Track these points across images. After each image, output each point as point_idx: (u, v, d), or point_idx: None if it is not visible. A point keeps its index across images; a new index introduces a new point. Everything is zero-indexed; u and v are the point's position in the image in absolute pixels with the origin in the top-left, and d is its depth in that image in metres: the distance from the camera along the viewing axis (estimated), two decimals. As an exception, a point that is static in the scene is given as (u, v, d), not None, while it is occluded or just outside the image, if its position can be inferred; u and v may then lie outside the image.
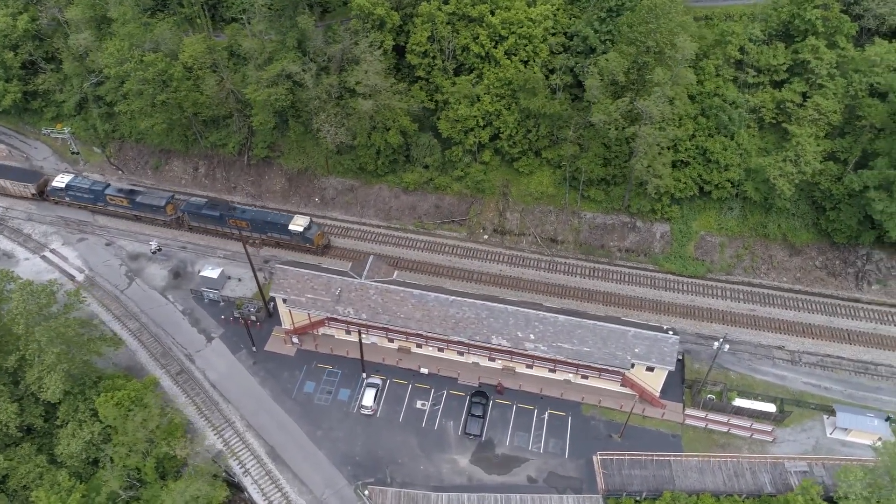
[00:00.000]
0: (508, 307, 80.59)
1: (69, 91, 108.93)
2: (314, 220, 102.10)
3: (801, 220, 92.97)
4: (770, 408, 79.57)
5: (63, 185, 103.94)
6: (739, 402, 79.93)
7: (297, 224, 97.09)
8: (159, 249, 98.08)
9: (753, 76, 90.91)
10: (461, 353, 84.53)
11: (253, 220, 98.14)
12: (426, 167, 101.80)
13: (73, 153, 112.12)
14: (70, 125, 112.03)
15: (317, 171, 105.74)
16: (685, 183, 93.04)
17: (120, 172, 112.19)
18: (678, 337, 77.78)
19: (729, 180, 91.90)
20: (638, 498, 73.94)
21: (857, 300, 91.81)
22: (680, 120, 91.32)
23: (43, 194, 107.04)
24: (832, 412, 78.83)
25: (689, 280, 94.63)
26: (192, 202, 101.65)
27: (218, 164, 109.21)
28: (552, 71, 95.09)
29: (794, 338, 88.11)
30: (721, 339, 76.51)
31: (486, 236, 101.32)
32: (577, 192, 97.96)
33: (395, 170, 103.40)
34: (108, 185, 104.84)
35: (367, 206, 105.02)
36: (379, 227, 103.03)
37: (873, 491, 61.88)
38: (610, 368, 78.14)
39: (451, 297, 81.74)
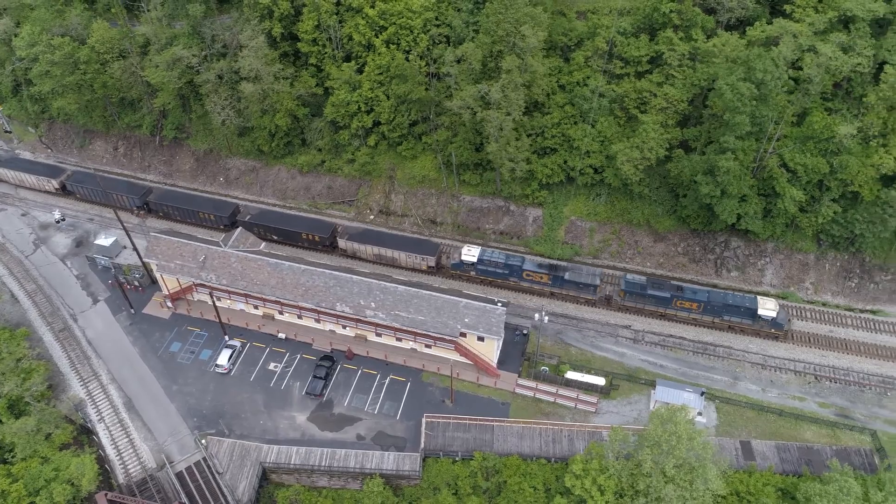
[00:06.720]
0: (354, 276, 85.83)
1: (2, 74, 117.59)
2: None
3: (663, 207, 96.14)
4: (600, 381, 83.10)
5: (474, 260, 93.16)
6: (571, 374, 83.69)
7: (768, 308, 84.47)
8: (63, 219, 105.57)
9: (621, 67, 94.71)
10: (318, 321, 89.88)
11: (709, 301, 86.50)
12: (319, 150, 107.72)
13: (6, 132, 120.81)
14: (5, 106, 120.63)
15: (221, 152, 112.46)
16: (552, 169, 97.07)
17: (49, 150, 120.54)
18: (506, 308, 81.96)
19: (591, 166, 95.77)
20: (455, 458, 78.22)
21: (714, 286, 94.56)
22: (546, 108, 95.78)
23: (438, 265, 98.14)
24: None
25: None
26: (632, 280, 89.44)
27: (135, 145, 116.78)
28: (435, 60, 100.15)
29: (642, 319, 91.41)
30: (541, 312, 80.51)
31: (371, 216, 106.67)
32: (456, 176, 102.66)
33: (292, 152, 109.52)
34: (524, 259, 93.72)
35: (266, 186, 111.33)
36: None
37: (636, 448, 65.54)
38: (442, 336, 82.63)
39: (303, 266, 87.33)
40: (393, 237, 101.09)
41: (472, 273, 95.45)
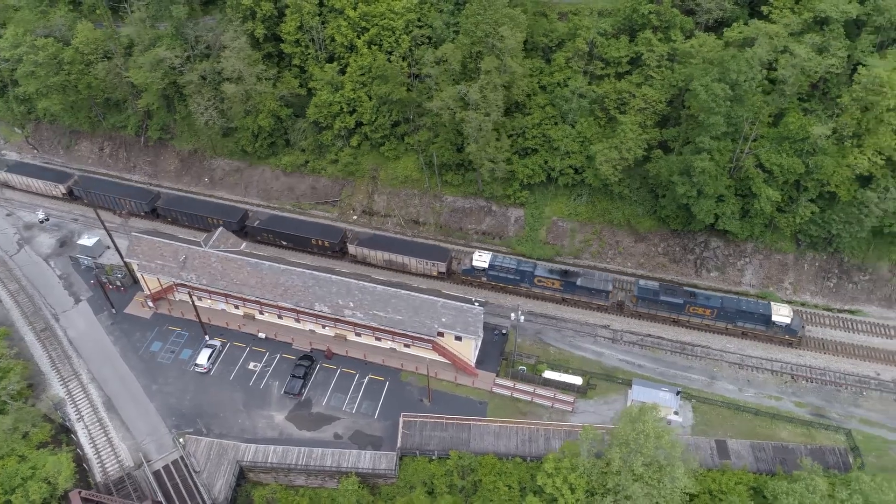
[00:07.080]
0: (333, 276, 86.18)
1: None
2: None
3: (643, 207, 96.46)
4: (577, 380, 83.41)
5: (485, 265, 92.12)
6: (548, 374, 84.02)
7: (782, 315, 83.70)
8: (47, 219, 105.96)
9: (601, 68, 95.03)
10: (297, 321, 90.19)
11: (722, 308, 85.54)
12: (303, 150, 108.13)
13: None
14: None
15: (206, 152, 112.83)
16: (533, 169, 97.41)
17: (35, 151, 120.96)
18: (483, 308, 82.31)
19: (572, 167, 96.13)
20: (432, 457, 78.50)
21: (695, 286, 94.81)
22: (527, 108, 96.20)
23: (448, 272, 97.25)
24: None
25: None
26: (644, 286, 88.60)
27: (120, 145, 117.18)
28: (416, 61, 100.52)
29: (621, 318, 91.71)
30: (518, 311, 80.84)
31: (355, 217, 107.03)
32: (438, 177, 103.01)
33: (276, 152, 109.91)
34: (536, 265, 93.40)
35: (251, 186, 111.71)
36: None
37: (608, 448, 65.88)
38: (420, 336, 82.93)
39: (282, 266, 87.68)
40: (403, 242, 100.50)
41: (483, 279, 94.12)
